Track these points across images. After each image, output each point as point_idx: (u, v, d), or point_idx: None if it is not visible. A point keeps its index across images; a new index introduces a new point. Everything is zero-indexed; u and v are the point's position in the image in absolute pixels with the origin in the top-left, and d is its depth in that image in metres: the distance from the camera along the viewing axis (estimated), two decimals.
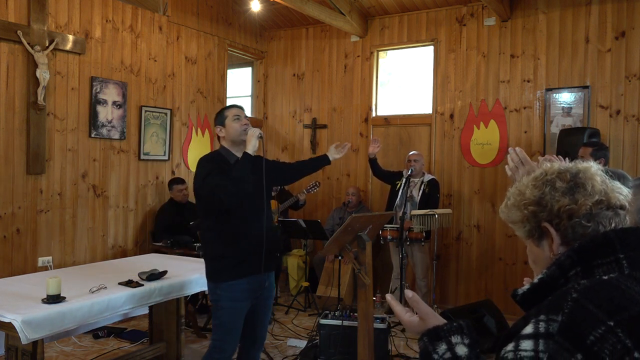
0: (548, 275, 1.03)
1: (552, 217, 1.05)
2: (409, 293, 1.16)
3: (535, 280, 1.05)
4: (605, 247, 0.99)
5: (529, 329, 0.92)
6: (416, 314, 1.14)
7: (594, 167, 1.09)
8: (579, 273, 0.99)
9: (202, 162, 2.89)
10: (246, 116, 3.00)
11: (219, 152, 2.98)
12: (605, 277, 0.94)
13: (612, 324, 0.85)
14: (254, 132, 2.82)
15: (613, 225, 1.03)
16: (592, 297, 0.90)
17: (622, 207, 1.05)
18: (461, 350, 1.04)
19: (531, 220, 1.09)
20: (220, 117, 2.99)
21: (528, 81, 5.42)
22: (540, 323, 0.91)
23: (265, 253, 2.88)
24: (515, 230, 1.15)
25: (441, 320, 1.11)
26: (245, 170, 2.74)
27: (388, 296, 1.26)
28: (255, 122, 7.07)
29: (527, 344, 0.90)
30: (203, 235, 3.03)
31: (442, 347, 1.05)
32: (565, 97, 5.23)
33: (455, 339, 1.05)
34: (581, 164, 1.10)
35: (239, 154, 2.87)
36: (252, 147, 2.79)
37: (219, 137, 3.02)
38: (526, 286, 1.07)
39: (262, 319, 3.06)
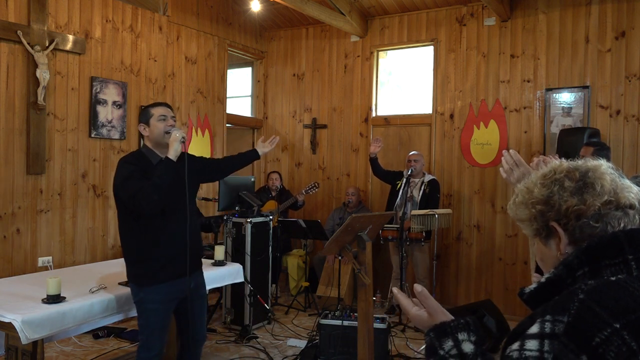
0: (556, 274, 1.03)
1: (560, 217, 1.05)
2: (418, 287, 1.14)
3: (543, 279, 1.05)
4: (614, 247, 0.98)
5: (534, 329, 0.92)
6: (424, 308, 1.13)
7: (603, 166, 1.07)
8: (586, 273, 0.99)
9: (123, 163, 2.76)
10: (173, 117, 2.87)
11: (142, 152, 2.85)
12: (613, 278, 0.94)
13: (618, 326, 0.85)
14: (176, 136, 2.67)
15: (622, 225, 1.02)
16: (598, 298, 0.89)
17: (631, 207, 1.04)
18: (467, 347, 1.03)
19: (539, 219, 1.08)
20: (145, 115, 2.83)
21: (528, 81, 5.42)
22: (546, 323, 0.91)
23: (189, 255, 2.75)
24: (523, 229, 1.14)
25: (449, 317, 1.10)
26: (167, 177, 2.61)
27: (394, 289, 1.24)
28: (255, 122, 7.07)
29: (532, 344, 0.90)
30: (123, 236, 2.86)
31: (449, 344, 1.04)
32: (565, 97, 5.22)
33: (462, 335, 1.04)
34: (591, 162, 1.08)
35: (163, 155, 2.73)
36: (174, 152, 2.66)
37: (142, 136, 2.83)
38: (533, 285, 1.07)
39: (197, 318, 2.97)
